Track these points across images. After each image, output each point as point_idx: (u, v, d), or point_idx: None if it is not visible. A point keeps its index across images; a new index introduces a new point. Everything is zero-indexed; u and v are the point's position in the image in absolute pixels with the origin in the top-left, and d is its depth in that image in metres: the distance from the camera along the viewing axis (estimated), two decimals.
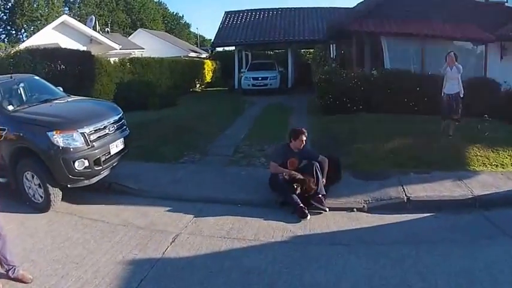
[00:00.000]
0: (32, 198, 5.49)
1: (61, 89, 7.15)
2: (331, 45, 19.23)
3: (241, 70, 21.53)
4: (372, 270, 3.81)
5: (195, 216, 5.25)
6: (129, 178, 6.60)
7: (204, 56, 34.12)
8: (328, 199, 5.43)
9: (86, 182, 5.58)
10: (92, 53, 14.74)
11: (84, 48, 17.43)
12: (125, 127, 6.44)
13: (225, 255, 4.24)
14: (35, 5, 38.90)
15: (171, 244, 4.50)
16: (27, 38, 21.91)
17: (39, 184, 5.32)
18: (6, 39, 35.51)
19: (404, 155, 7.13)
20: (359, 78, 11.40)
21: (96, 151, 5.49)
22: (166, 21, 60.30)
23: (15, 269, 3.79)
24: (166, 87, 19.15)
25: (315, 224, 4.95)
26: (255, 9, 23.72)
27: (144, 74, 18.19)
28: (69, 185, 5.46)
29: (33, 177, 5.36)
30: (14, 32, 38.82)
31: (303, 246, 4.41)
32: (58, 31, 17.69)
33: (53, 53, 12.62)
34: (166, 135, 9.51)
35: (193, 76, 24.42)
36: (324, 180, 5.51)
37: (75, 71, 12.89)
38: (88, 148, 5.39)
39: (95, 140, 5.52)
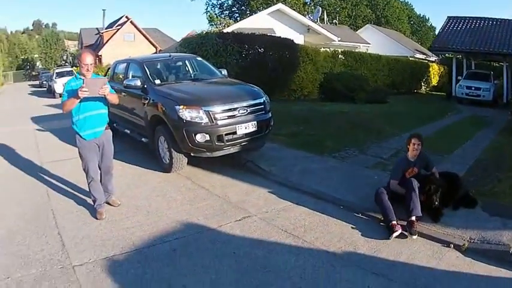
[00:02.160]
0: (162, 159, 6.89)
1: (224, 72, 8.40)
2: None
3: (458, 78, 21.80)
4: None
5: (286, 206, 5.45)
6: (268, 160, 7.28)
7: (432, 59, 33.72)
8: (431, 224, 4.79)
9: (208, 154, 6.51)
10: (303, 42, 16.08)
11: (301, 37, 19.02)
12: (262, 112, 6.97)
13: (263, 247, 4.36)
14: None
15: (235, 221, 4.93)
16: None
17: (167, 148, 6.59)
18: (238, 18, 40.60)
19: None
20: None
21: (220, 128, 6.31)
22: (411, 22, 62.17)
23: (109, 196, 5.44)
24: (382, 84, 19.56)
25: (389, 246, 4.41)
26: (476, 17, 23.14)
27: (357, 68, 18.96)
28: (192, 154, 6.54)
29: (164, 142, 6.69)
30: (248, 12, 43.11)
31: (343, 263, 4.08)
32: (273, 17, 19.92)
33: (247, 38, 14.39)
34: (342, 128, 9.98)
35: (416, 77, 25.24)
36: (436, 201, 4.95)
37: (274, 57, 14.33)
38: (211, 125, 6.27)
39: (221, 119, 6.35)
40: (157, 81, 7.19)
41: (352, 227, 4.84)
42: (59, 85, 21.88)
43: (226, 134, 6.37)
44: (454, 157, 6.88)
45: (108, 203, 5.38)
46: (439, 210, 4.95)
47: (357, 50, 21.28)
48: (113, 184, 5.46)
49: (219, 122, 6.33)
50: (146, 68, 7.42)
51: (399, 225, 4.68)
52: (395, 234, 4.60)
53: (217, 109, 6.34)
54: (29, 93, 31.00)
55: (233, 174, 6.75)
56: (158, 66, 7.88)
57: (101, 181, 5.22)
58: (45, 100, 22.23)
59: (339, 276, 3.85)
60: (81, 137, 4.94)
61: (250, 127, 6.65)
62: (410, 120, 12.01)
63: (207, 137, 6.23)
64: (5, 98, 27.14)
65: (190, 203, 5.53)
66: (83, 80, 4.65)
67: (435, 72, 28.72)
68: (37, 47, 73.02)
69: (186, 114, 6.20)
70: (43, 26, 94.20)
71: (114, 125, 8.07)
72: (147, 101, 6.91)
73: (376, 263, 4.13)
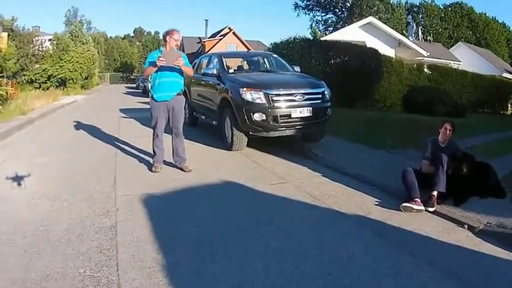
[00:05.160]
0: (226, 139, 7.91)
1: (297, 68, 9.35)
2: None
3: None
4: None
5: (323, 181, 6.03)
6: (324, 149, 7.90)
7: None
8: (452, 207, 4.84)
9: (264, 134, 7.38)
10: (394, 56, 16.52)
11: (392, 51, 19.36)
12: (319, 101, 7.64)
13: (285, 201, 5.09)
14: (374, 9, 43.67)
15: (269, 184, 5.73)
16: None
17: (230, 128, 7.63)
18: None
19: None
20: None
21: (276, 110, 7.16)
22: (510, 45, 62.25)
23: (181, 161, 6.36)
24: (467, 101, 19.67)
25: (401, 216, 4.66)
26: None
27: (442, 82, 19.10)
28: (250, 133, 7.46)
29: (229, 122, 7.70)
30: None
31: (347, 219, 4.56)
32: (364, 30, 20.46)
33: (332, 45, 15.23)
34: (407, 131, 10.39)
35: (502, 97, 24.89)
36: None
37: (357, 65, 14.91)
38: (268, 106, 7.14)
39: (277, 102, 7.19)
40: (231, 71, 8.47)
41: (375, 201, 5.11)
42: None
43: (281, 116, 7.17)
44: (502, 160, 6.81)
45: (180, 169, 6.25)
46: (463, 195, 4.94)
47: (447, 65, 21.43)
48: (183, 148, 6.33)
49: (276, 104, 7.16)
50: (223, 60, 8.73)
51: (420, 203, 4.79)
52: (410, 204, 4.75)
53: (275, 93, 7.18)
54: (124, 93, 33.34)
55: (288, 157, 7.45)
56: (235, 59, 9.25)
57: (172, 144, 6.32)
58: (138, 98, 24.08)
59: (336, 227, 4.32)
60: (153, 98, 6.16)
61: (305, 112, 7.34)
62: (476, 129, 11.95)
63: (264, 117, 7.11)
64: (100, 95, 29.57)
65: (238, 170, 6.45)
66: (162, 51, 5.88)
67: None
68: (137, 52, 78.63)
69: (248, 95, 7.16)
70: (144, 34, 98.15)
71: (194, 113, 9.63)
72: (219, 87, 8.09)
73: (380, 226, 4.39)
